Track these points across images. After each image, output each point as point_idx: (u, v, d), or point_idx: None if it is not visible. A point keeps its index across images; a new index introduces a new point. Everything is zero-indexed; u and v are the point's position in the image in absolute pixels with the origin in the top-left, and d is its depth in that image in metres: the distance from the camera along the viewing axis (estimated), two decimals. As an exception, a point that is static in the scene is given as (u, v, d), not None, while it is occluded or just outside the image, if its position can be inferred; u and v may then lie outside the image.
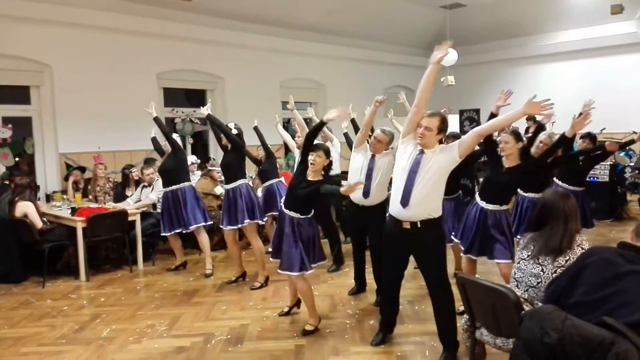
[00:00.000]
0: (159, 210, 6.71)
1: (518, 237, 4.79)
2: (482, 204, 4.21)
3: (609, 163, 8.63)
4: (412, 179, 3.37)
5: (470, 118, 11.53)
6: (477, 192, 4.40)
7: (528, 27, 11.77)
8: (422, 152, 3.41)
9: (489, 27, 11.94)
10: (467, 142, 3.36)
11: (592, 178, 8.38)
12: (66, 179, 7.41)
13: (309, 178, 4.05)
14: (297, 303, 4.58)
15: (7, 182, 6.75)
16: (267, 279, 5.45)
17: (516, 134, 4.16)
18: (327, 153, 4.06)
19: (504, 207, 4.21)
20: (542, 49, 12.08)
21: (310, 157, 4.00)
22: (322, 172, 4.07)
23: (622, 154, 9.19)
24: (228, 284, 5.56)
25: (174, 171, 5.85)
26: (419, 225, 3.41)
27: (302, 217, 4.08)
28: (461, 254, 4.46)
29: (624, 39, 10.65)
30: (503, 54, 12.57)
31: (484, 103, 12.32)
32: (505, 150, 4.11)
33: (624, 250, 2.39)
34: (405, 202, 3.38)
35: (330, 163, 4.10)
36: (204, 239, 6.01)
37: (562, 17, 11.27)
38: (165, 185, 5.94)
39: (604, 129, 10.27)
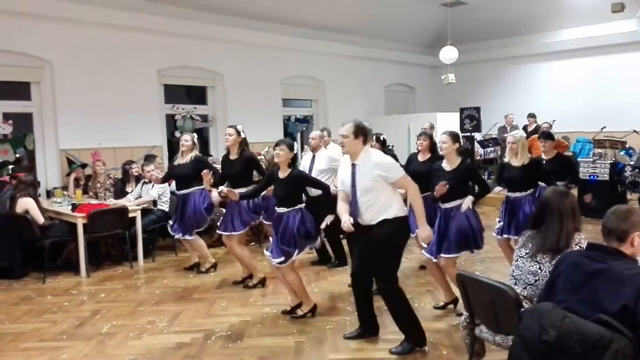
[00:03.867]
0: (159, 207, 6.73)
1: (504, 235, 4.90)
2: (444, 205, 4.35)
3: (609, 162, 8.63)
4: (354, 193, 3.66)
5: (470, 116, 11.47)
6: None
7: (529, 25, 11.75)
8: (353, 165, 3.67)
9: (489, 25, 11.92)
10: (396, 184, 3.67)
11: (592, 176, 8.38)
12: (68, 175, 7.42)
13: (280, 176, 4.39)
14: (300, 304, 4.55)
15: (5, 179, 6.73)
16: (264, 279, 5.49)
17: (453, 135, 4.31)
18: (290, 147, 4.35)
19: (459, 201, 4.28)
20: (542, 48, 12.06)
21: (275, 151, 4.36)
22: (289, 165, 4.36)
23: (622, 153, 9.18)
24: (235, 283, 5.50)
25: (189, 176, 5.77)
26: (373, 225, 3.64)
27: (293, 208, 4.33)
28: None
29: (624, 37, 10.62)
30: (504, 52, 12.55)
31: (485, 101, 12.31)
32: (444, 149, 4.29)
33: (591, 251, 2.45)
34: (355, 214, 3.66)
35: (295, 156, 4.42)
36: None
37: (563, 15, 11.26)
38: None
39: (604, 127, 10.27)
